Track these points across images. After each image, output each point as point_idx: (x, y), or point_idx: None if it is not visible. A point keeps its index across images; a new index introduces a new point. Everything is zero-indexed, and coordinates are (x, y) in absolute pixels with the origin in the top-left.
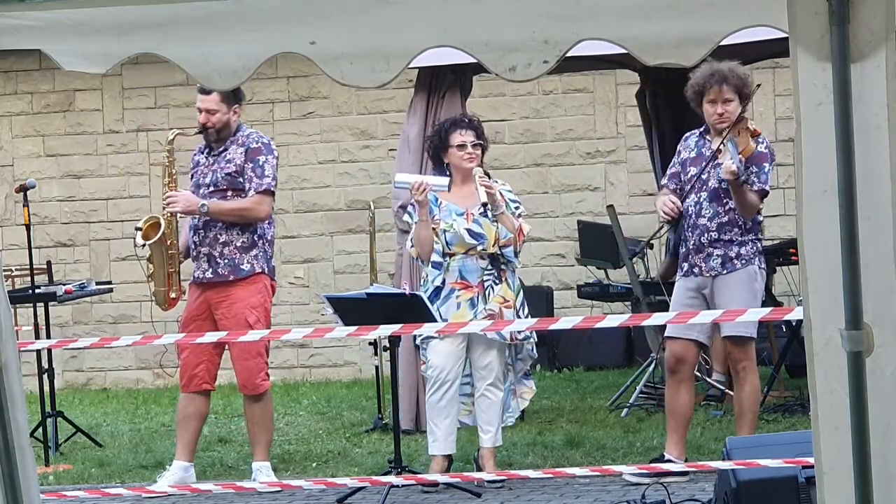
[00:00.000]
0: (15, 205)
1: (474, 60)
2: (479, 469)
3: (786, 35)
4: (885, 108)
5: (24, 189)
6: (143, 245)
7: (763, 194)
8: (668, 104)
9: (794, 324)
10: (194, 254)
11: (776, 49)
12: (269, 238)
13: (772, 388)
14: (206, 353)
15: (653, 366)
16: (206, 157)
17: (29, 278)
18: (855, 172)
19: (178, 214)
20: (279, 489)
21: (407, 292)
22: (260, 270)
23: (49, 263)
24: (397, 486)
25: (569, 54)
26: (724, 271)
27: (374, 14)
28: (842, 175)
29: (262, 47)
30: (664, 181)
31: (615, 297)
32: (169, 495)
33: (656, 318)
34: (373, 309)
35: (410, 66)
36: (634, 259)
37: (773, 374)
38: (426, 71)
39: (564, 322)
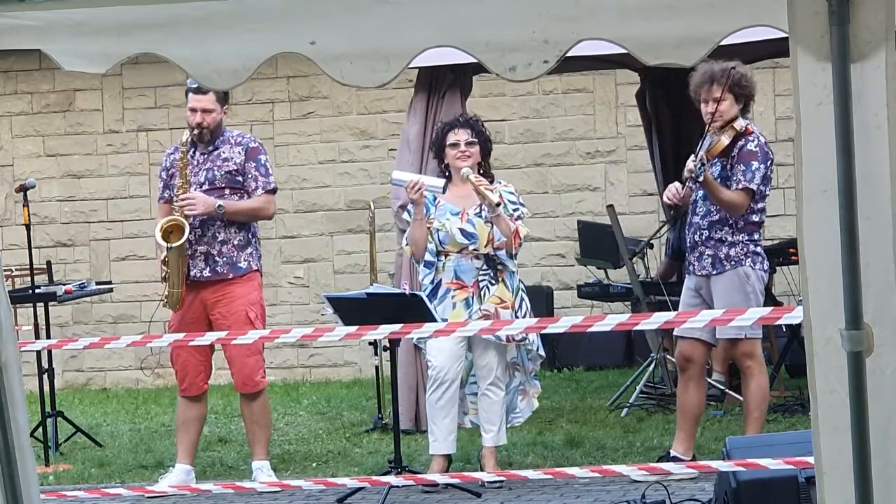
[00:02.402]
0: (15, 205)
1: (474, 60)
2: (483, 468)
3: (786, 35)
4: (885, 108)
5: (24, 189)
6: (169, 247)
7: (748, 192)
8: (668, 104)
9: (793, 324)
10: (189, 253)
11: (776, 49)
12: (259, 235)
13: (772, 388)
14: (204, 355)
15: (653, 366)
16: (193, 157)
17: (29, 278)
18: (855, 172)
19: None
20: (279, 489)
21: (407, 292)
22: (256, 268)
23: (49, 263)
24: (397, 486)
25: (569, 54)
26: (714, 272)
27: (374, 14)
28: (842, 175)
29: (262, 47)
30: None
31: (615, 297)
32: (169, 495)
33: (656, 319)
34: (373, 309)
35: (410, 66)
36: (634, 259)
37: (773, 374)
38: (426, 71)
39: (563, 322)
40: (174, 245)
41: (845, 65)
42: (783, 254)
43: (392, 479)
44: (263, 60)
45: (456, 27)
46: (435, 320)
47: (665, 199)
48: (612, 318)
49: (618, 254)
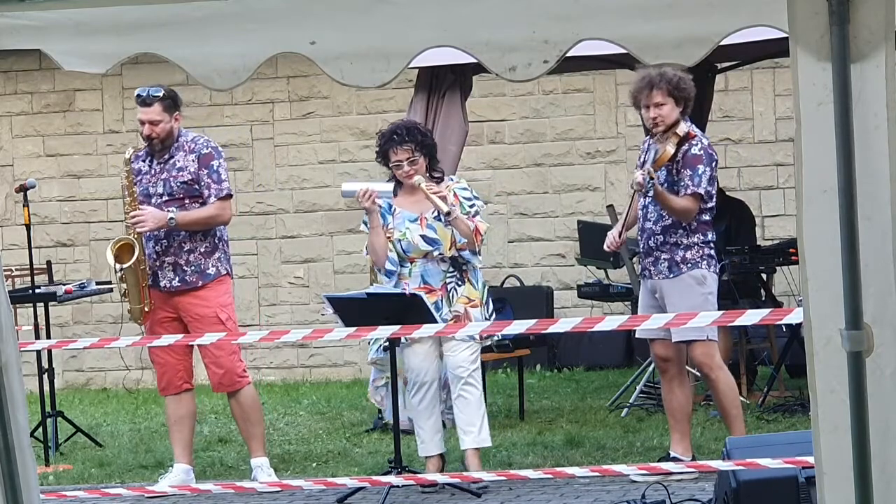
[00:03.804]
0: (15, 205)
1: (474, 60)
2: (466, 470)
3: (786, 35)
4: (884, 107)
5: (24, 189)
6: (121, 269)
7: (697, 197)
8: None
9: (793, 324)
10: (157, 264)
11: (776, 49)
12: (226, 239)
13: (772, 388)
14: (182, 354)
15: (653, 366)
16: (150, 166)
17: (29, 278)
18: (855, 172)
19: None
20: (279, 489)
21: (407, 292)
22: (224, 273)
23: (49, 263)
24: (397, 486)
25: (569, 54)
26: (671, 275)
27: (374, 14)
28: (842, 175)
29: (262, 47)
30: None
31: (615, 297)
32: (169, 495)
33: (655, 320)
34: (373, 309)
35: (410, 66)
36: (634, 259)
37: (773, 374)
38: (426, 71)
39: (562, 324)
40: (125, 266)
41: (845, 65)
42: (783, 254)
43: (392, 479)
44: (263, 60)
45: (456, 27)
46: (435, 321)
47: (605, 248)
48: (613, 319)
49: (618, 254)
